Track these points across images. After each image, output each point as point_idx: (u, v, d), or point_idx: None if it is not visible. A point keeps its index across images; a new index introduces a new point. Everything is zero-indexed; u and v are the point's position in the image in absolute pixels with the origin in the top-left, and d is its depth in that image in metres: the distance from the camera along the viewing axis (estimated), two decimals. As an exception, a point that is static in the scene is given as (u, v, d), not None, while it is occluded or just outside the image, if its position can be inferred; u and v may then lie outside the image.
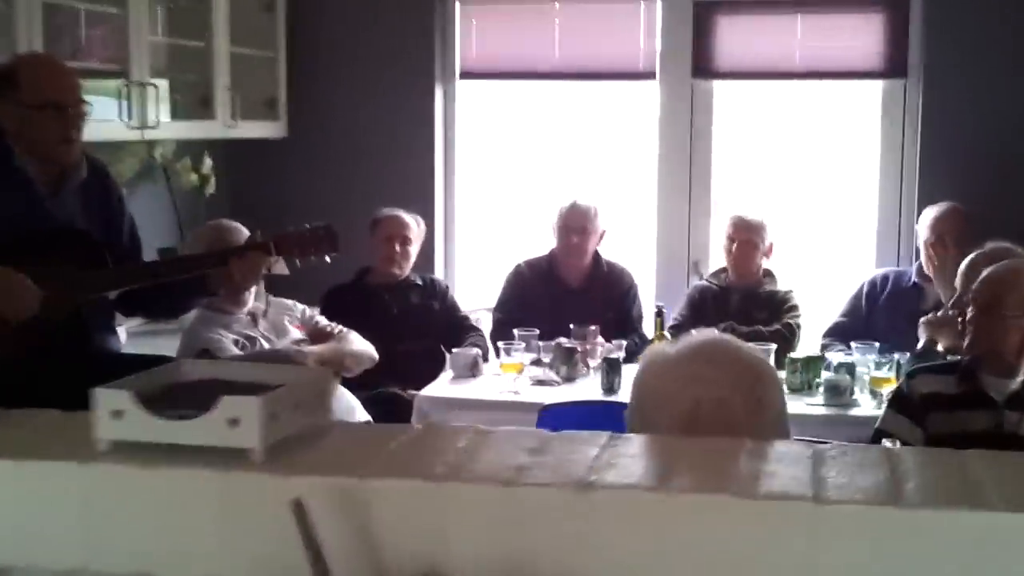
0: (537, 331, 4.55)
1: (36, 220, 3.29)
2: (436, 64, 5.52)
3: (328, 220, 3.59)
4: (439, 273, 5.54)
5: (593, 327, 4.60)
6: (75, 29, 4.11)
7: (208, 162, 4.97)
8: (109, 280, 3.35)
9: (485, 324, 5.14)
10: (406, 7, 5.49)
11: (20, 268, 3.14)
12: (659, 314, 4.57)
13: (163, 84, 4.56)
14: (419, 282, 5.03)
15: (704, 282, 5.12)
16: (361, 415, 4.16)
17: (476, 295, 5.54)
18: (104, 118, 4.27)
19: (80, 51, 4.14)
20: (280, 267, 3.76)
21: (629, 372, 4.15)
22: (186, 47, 4.82)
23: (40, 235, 3.28)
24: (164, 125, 4.47)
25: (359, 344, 4.29)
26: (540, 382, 4.37)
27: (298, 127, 5.47)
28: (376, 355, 4.35)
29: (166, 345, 4.05)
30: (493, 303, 5.17)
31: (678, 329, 4.59)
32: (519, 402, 4.16)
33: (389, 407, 4.47)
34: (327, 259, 3.62)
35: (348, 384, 4.47)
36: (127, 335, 4.02)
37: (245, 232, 4.10)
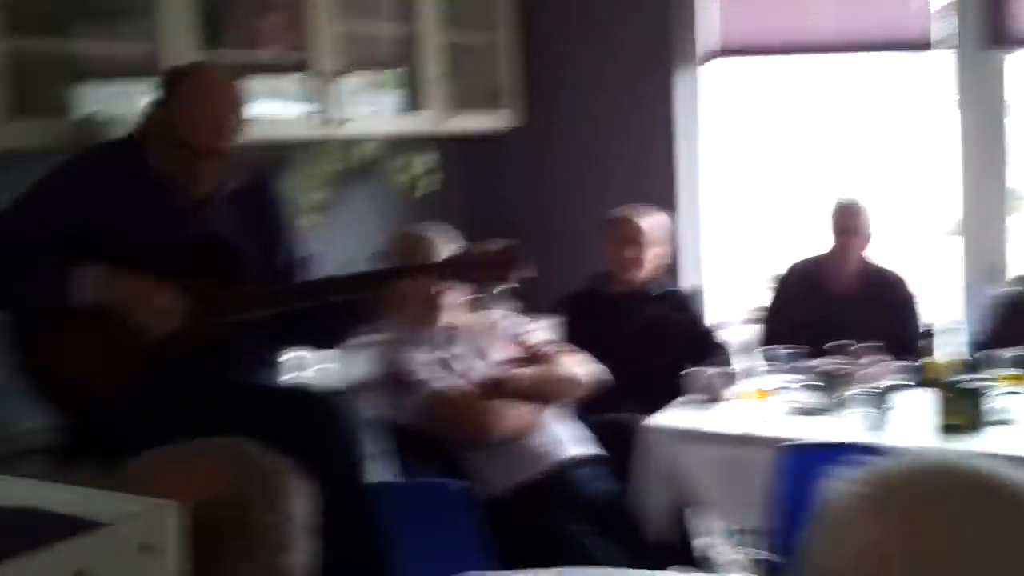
0: (792, 349, 3.80)
1: (175, 233, 2.88)
2: (678, 42, 4.82)
3: (526, 235, 3.33)
4: (690, 280, 4.83)
5: (864, 344, 3.80)
6: (252, 17, 3.67)
7: (422, 160, 4.47)
8: (248, 300, 2.90)
9: (738, 339, 4.42)
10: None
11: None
12: (928, 334, 3.73)
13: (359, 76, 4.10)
14: (661, 291, 4.37)
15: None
16: (576, 448, 3.54)
17: (727, 305, 4.81)
18: (284, 115, 3.86)
19: (255, 41, 3.71)
20: (455, 294, 3.40)
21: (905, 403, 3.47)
22: (384, 35, 4.33)
23: (177, 248, 2.86)
24: (362, 120, 3.98)
25: (576, 367, 3.67)
26: (798, 411, 3.63)
27: (526, 118, 4.91)
28: (598, 380, 3.70)
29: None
30: (747, 314, 4.45)
31: (980, 348, 3.75)
32: (762, 437, 3.43)
33: (620, 436, 3.84)
34: (513, 285, 3.19)
35: (578, 408, 3.90)
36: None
37: (441, 241, 3.58)
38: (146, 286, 2.77)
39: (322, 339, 3.33)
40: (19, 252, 2.75)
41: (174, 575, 1.12)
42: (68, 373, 2.83)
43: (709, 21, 4.85)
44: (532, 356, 3.67)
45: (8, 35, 2.88)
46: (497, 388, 3.46)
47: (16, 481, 1.21)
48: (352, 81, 4.06)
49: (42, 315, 2.81)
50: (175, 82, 2.92)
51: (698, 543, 3.64)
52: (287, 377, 3.36)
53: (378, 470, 3.62)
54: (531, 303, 4.70)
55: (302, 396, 2.92)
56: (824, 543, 1.14)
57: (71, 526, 1.06)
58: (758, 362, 3.82)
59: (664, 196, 4.79)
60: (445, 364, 3.54)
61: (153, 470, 1.30)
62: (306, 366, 3.78)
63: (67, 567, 1.03)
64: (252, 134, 3.13)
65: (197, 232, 2.95)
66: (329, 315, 3.06)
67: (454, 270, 3.09)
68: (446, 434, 3.42)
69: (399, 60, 4.37)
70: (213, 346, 2.88)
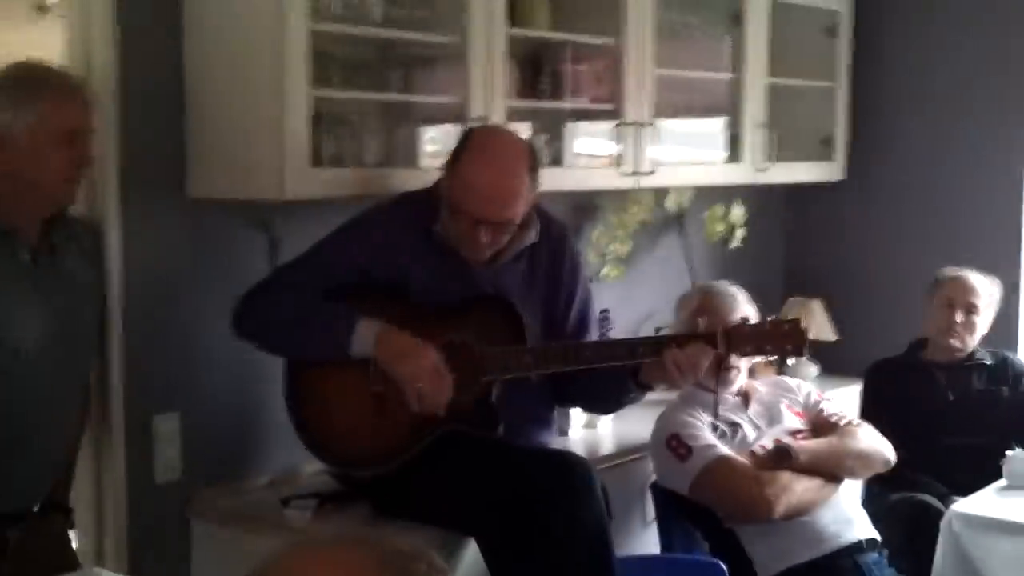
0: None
1: (460, 289, 2.93)
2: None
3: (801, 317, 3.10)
4: (1023, 352, 4.44)
5: None
6: (559, 63, 3.67)
7: (739, 211, 4.33)
8: (516, 359, 2.88)
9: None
10: (998, 25, 4.49)
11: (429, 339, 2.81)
12: None
13: (668, 124, 4.01)
14: (988, 361, 4.05)
15: None
16: (862, 531, 3.32)
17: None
18: (593, 163, 3.83)
19: (569, 88, 3.69)
20: (736, 372, 3.33)
21: None
22: (703, 80, 4.22)
23: (455, 304, 2.91)
24: (674, 169, 3.90)
25: (867, 442, 3.43)
26: (1123, 508, 3.27)
27: (854, 169, 4.67)
28: (892, 457, 3.46)
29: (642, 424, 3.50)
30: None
31: None
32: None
33: (919, 518, 3.58)
34: (788, 363, 3.17)
35: (875, 481, 3.67)
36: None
37: (740, 299, 3.46)
38: (419, 354, 2.78)
39: (597, 404, 3.28)
40: (309, 299, 2.83)
41: None
42: (336, 426, 2.89)
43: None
44: (824, 426, 3.46)
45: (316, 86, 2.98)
46: (785, 459, 3.28)
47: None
48: (669, 128, 3.98)
49: (318, 365, 2.88)
50: (464, 146, 2.91)
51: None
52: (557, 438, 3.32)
53: (643, 540, 3.55)
54: (837, 368, 4.49)
55: (556, 461, 2.87)
56: None
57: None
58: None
59: (1006, 257, 4.44)
60: (732, 430, 3.40)
61: (291, 560, 1.28)
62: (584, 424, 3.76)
63: None
64: (560, 183, 3.13)
65: (481, 289, 2.96)
66: (605, 380, 3.02)
67: (736, 340, 2.96)
68: (723, 505, 3.27)
69: (720, 107, 4.26)
70: (480, 404, 2.89)
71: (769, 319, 3.04)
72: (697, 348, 2.89)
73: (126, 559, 2.94)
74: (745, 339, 2.96)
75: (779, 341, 2.96)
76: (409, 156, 3.46)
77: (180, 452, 3.05)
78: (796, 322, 2.99)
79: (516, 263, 3.04)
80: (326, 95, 3.03)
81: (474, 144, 2.91)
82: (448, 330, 2.88)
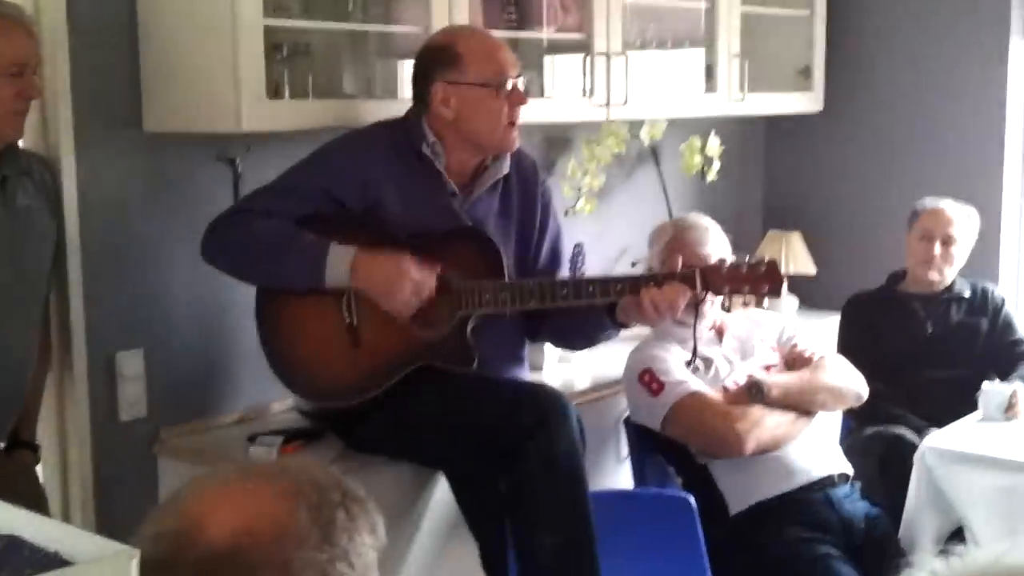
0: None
1: (440, 221, 2.89)
2: (1014, 17, 4.37)
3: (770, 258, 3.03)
4: (1003, 282, 4.40)
5: None
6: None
7: (715, 142, 4.27)
8: (493, 295, 2.86)
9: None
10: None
11: None
12: None
13: (641, 54, 3.94)
14: (967, 293, 4.01)
15: None
16: (835, 465, 3.31)
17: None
18: (565, 96, 3.77)
19: (537, 19, 3.62)
20: (710, 306, 3.31)
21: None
22: (677, 9, 4.14)
23: (435, 236, 2.88)
24: (638, 102, 3.82)
25: (839, 376, 3.40)
26: (1096, 440, 3.26)
27: (831, 100, 4.60)
28: (865, 392, 3.43)
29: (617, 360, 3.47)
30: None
31: None
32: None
33: (894, 452, 3.56)
34: (764, 303, 3.20)
35: (853, 415, 3.66)
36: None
37: (713, 232, 3.43)
38: (398, 269, 2.77)
39: (572, 340, 3.26)
40: (281, 227, 2.79)
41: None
42: (308, 357, 2.87)
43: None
44: (797, 361, 3.43)
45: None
46: (757, 393, 3.26)
47: (11, 510, 1.23)
48: (642, 59, 3.91)
49: (291, 295, 2.85)
50: (452, 42, 2.91)
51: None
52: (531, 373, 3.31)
53: (616, 475, 3.54)
54: (816, 301, 4.46)
55: (531, 394, 2.85)
56: None
57: (45, 560, 1.08)
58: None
59: (986, 186, 4.39)
60: (705, 364, 3.37)
61: (201, 493, 1.25)
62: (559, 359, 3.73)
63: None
64: (531, 116, 3.09)
65: (461, 218, 2.93)
66: (580, 317, 3.00)
67: (714, 280, 2.94)
68: (695, 440, 3.26)
69: (695, 38, 4.19)
70: (455, 337, 2.87)
71: (746, 260, 3.00)
72: (674, 288, 2.86)
73: (91, 497, 2.92)
74: (722, 280, 2.93)
75: (756, 282, 2.93)
76: (374, 87, 3.42)
77: (145, 389, 3.01)
78: (773, 263, 2.96)
79: (490, 195, 3.02)
80: (282, 24, 2.97)
81: (463, 31, 3.00)
82: (424, 262, 2.85)
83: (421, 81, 2.94)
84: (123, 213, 2.96)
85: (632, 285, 2.90)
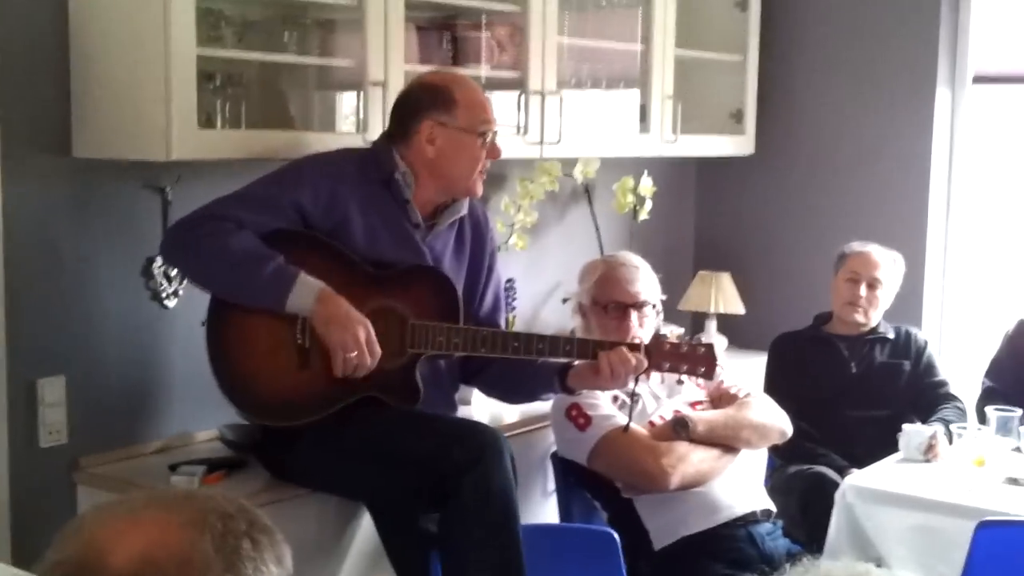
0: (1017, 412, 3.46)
1: (402, 250, 2.94)
2: (940, 66, 4.47)
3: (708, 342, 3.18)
4: (926, 325, 4.48)
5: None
6: (461, 30, 3.62)
7: (647, 182, 4.32)
8: (447, 338, 2.89)
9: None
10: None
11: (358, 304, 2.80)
12: None
13: (576, 94, 3.98)
14: (890, 335, 4.08)
15: None
16: (758, 502, 3.33)
17: (969, 357, 4.44)
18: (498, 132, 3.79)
19: (473, 56, 3.66)
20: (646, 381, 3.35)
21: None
22: (612, 50, 4.19)
23: (396, 267, 2.91)
24: (571, 141, 3.85)
25: (764, 414, 3.44)
26: (1013, 481, 3.30)
27: (762, 143, 4.67)
28: (789, 430, 3.47)
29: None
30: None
31: None
32: (966, 507, 3.13)
33: (816, 490, 3.60)
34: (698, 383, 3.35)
35: (777, 454, 3.70)
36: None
37: (644, 271, 3.46)
38: (357, 320, 2.76)
39: (510, 392, 3.29)
40: (248, 241, 2.76)
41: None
42: (254, 372, 2.85)
43: (970, 44, 4.49)
44: (723, 398, 3.47)
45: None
46: (683, 429, 3.28)
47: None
48: (576, 99, 3.96)
49: (246, 308, 2.82)
50: (448, 86, 2.97)
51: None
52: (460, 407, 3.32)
53: (542, 509, 3.55)
54: (744, 341, 4.52)
55: (469, 432, 2.86)
56: None
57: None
58: (964, 425, 3.52)
59: (911, 233, 4.48)
60: (631, 400, 3.39)
61: (104, 520, 1.24)
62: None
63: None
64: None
65: (422, 250, 2.97)
66: (528, 372, 3.07)
67: (656, 356, 3.02)
68: (620, 475, 3.27)
69: (630, 79, 4.24)
70: (404, 374, 2.88)
71: (687, 341, 3.14)
72: (623, 353, 2.93)
73: (8, 523, 2.88)
74: (664, 357, 3.03)
75: (693, 363, 3.03)
76: (311, 119, 3.44)
77: (66, 416, 2.98)
78: (710, 348, 3.05)
79: (448, 232, 3.08)
80: (216, 55, 2.98)
81: (457, 77, 3.07)
82: (382, 294, 2.87)
83: (407, 115, 2.97)
84: (49, 238, 2.94)
85: (581, 347, 2.99)
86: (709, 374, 3.05)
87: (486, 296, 3.18)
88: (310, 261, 2.80)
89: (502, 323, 3.28)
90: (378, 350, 2.79)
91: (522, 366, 3.03)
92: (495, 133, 3.02)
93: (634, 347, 2.98)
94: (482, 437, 2.80)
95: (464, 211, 3.07)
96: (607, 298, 3.39)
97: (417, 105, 2.97)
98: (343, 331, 2.75)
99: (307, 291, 2.75)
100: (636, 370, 2.97)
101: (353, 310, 2.77)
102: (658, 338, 3.17)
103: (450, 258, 3.07)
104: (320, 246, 2.86)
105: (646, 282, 3.43)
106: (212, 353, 2.85)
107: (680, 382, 3.43)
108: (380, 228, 2.93)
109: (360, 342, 2.75)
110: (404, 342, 2.86)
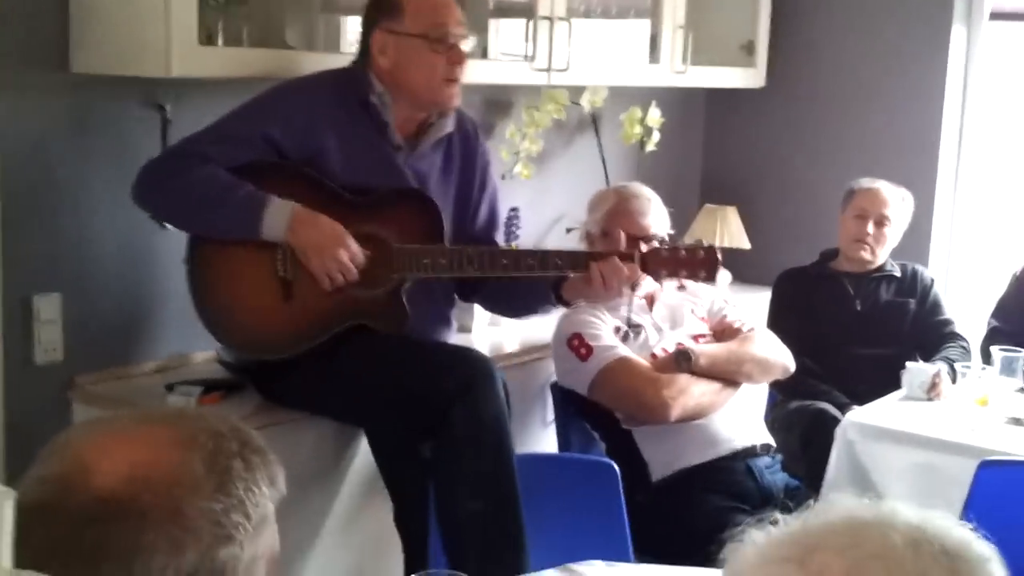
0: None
1: (383, 175, 2.85)
2: (957, 1, 4.39)
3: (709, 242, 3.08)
4: (933, 264, 4.44)
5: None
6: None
7: (656, 113, 4.26)
8: (432, 261, 2.84)
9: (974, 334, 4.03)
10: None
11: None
12: None
13: (586, 22, 3.91)
14: (897, 273, 4.04)
15: None
16: (757, 436, 3.31)
17: (968, 296, 4.40)
18: (506, 59, 3.74)
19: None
20: (646, 286, 3.28)
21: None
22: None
23: (378, 194, 2.84)
24: (579, 69, 3.79)
25: (766, 348, 3.41)
26: (1016, 421, 3.28)
27: (773, 76, 4.60)
28: (791, 366, 3.44)
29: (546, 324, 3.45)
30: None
31: None
32: (967, 446, 3.12)
33: (817, 426, 3.58)
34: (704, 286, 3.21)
35: (779, 389, 3.67)
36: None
37: (655, 203, 3.41)
38: (334, 236, 2.73)
39: (509, 308, 3.25)
40: (217, 174, 2.72)
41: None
42: (238, 308, 2.82)
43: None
44: (726, 332, 3.43)
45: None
46: (685, 362, 3.25)
47: None
48: (586, 27, 3.88)
49: (224, 243, 2.80)
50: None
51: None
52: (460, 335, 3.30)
53: (541, 439, 3.53)
54: (749, 276, 4.48)
55: (458, 358, 2.83)
56: None
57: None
58: (968, 364, 3.50)
59: (922, 170, 4.42)
60: (635, 331, 3.36)
61: (92, 436, 1.21)
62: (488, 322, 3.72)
63: None
64: (472, 77, 3.07)
65: (403, 173, 2.91)
66: (523, 286, 3.00)
67: (653, 264, 2.96)
68: (620, 406, 3.25)
69: (642, 8, 4.16)
70: (390, 300, 2.84)
71: (686, 244, 3.02)
72: (616, 263, 2.88)
73: (2, 439, 2.86)
74: (661, 263, 2.96)
75: (694, 267, 2.95)
76: (315, 40, 3.38)
77: (62, 334, 2.96)
78: (712, 249, 2.97)
79: (433, 152, 3.01)
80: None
81: None
82: (364, 220, 2.82)
83: (365, 30, 2.92)
84: (45, 154, 2.89)
85: (572, 260, 2.92)
86: (711, 277, 2.97)
87: (480, 211, 3.12)
88: (287, 192, 2.75)
89: (499, 238, 3.21)
90: (361, 258, 2.75)
91: (517, 281, 2.98)
92: (460, 39, 2.90)
93: (626, 256, 2.92)
94: (472, 365, 2.77)
95: (450, 128, 2.99)
96: (618, 229, 3.34)
97: (369, 16, 2.91)
98: (323, 257, 2.72)
99: (280, 213, 2.70)
100: (630, 279, 2.91)
101: (329, 222, 2.73)
102: (655, 246, 3.08)
103: (437, 178, 3.00)
104: (296, 175, 2.81)
105: (656, 215, 3.39)
106: (193, 290, 2.82)
107: (682, 287, 3.38)
108: (359, 154, 2.87)
109: (343, 263, 2.73)
110: (389, 267, 2.82)
